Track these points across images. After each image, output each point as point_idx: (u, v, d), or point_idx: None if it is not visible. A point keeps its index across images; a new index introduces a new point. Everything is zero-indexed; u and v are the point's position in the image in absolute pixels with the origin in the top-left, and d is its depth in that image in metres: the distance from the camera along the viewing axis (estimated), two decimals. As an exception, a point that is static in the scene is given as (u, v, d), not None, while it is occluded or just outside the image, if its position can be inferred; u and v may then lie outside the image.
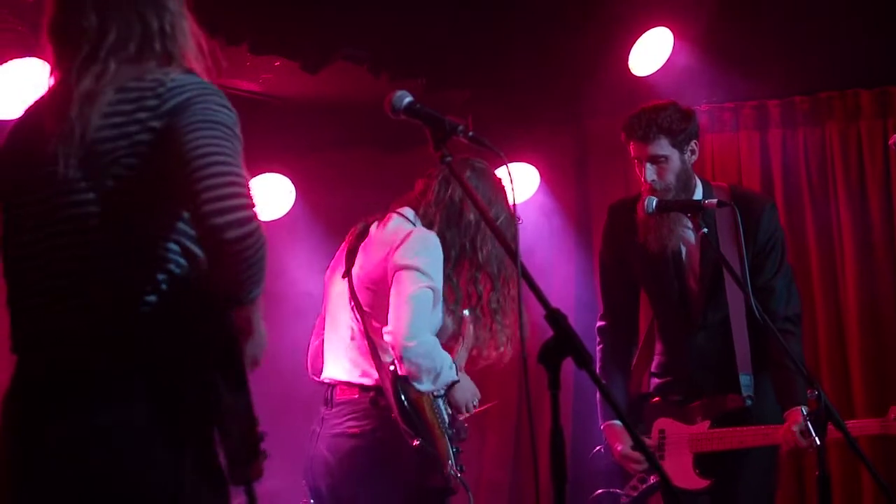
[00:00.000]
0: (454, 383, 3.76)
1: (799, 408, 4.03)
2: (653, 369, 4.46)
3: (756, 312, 3.63)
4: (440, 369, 3.66)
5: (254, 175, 6.52)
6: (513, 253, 2.56)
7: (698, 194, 4.26)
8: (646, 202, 4.02)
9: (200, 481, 2.44)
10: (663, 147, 4.17)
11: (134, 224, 2.44)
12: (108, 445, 2.36)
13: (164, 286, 2.43)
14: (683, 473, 4.23)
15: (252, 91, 6.29)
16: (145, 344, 2.40)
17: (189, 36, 2.65)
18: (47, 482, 2.39)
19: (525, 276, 2.47)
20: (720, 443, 4.14)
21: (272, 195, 6.72)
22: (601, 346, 4.47)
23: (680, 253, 4.29)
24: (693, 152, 4.26)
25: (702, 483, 4.20)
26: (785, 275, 4.26)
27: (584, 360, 2.27)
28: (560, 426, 2.25)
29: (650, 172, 4.19)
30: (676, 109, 4.23)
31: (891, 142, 3.93)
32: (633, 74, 5.93)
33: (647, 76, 5.97)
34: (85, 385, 2.39)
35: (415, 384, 3.64)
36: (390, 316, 3.65)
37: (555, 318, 2.29)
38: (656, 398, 4.38)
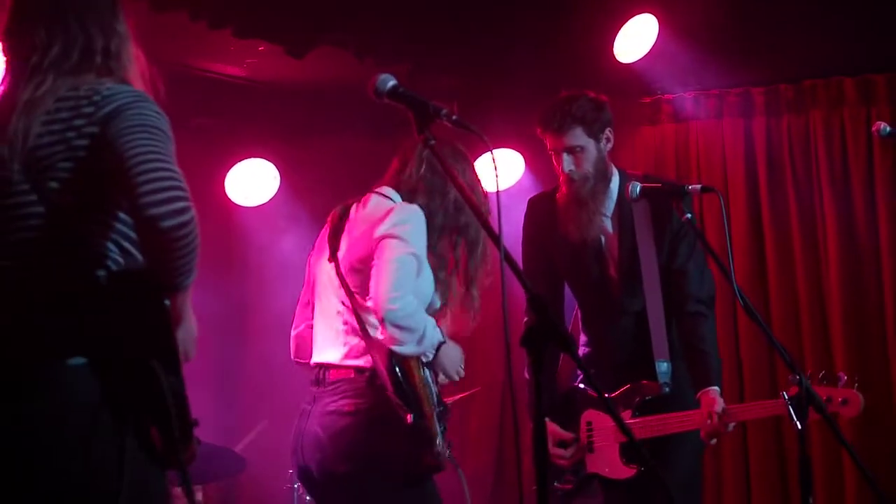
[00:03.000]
0: (441, 344, 3.76)
1: (711, 389, 4.09)
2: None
3: (740, 297, 3.64)
4: (424, 330, 3.65)
5: (238, 160, 6.61)
6: (496, 237, 2.56)
7: (615, 182, 4.32)
8: (630, 188, 4.00)
9: (141, 456, 2.60)
10: (578, 137, 4.23)
11: (73, 224, 2.63)
12: (59, 422, 2.54)
13: (103, 281, 2.61)
14: (611, 463, 4.28)
15: (236, 76, 6.28)
16: (86, 332, 2.56)
17: (133, 61, 2.85)
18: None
19: (508, 259, 2.48)
20: (642, 430, 4.15)
21: (257, 180, 6.71)
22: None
23: (600, 241, 4.33)
24: (608, 140, 4.30)
25: (628, 472, 4.23)
26: (697, 258, 4.30)
27: (566, 345, 2.28)
28: (542, 411, 2.26)
29: (567, 163, 4.24)
30: (589, 99, 4.27)
31: (874, 129, 3.92)
32: (618, 61, 5.93)
33: (633, 63, 5.98)
34: (30, 372, 2.56)
35: (398, 349, 3.62)
36: (372, 282, 3.66)
37: (537, 303, 2.29)
38: (583, 390, 4.40)
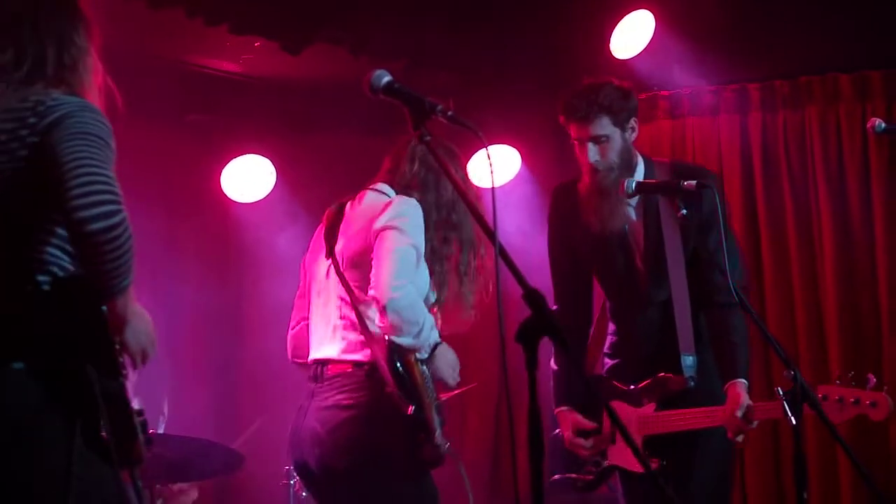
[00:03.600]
0: (437, 345, 3.77)
1: (737, 382, 4.01)
2: (605, 349, 4.42)
3: (733, 292, 3.64)
4: (422, 325, 3.67)
5: (234, 156, 6.60)
6: (490, 233, 2.56)
7: (640, 171, 4.21)
8: (625, 184, 3.99)
9: (92, 455, 2.63)
10: (605, 126, 4.11)
11: (15, 231, 2.68)
12: (8, 422, 2.59)
13: (45, 286, 2.66)
14: (632, 456, 4.23)
15: (232, 72, 6.28)
16: (27, 337, 2.62)
17: (89, 72, 2.88)
18: None
19: (503, 255, 2.48)
20: (665, 425, 4.09)
21: (253, 176, 6.71)
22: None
23: (624, 231, 4.25)
24: (633, 130, 4.19)
25: (651, 464, 4.11)
26: (728, 248, 4.10)
27: (562, 340, 2.28)
28: (537, 406, 2.26)
29: (593, 153, 4.13)
30: (615, 87, 4.15)
31: (869, 125, 3.92)
32: (614, 57, 5.94)
33: (629, 59, 5.98)
34: None
35: (396, 338, 3.64)
36: (373, 273, 3.67)
37: (533, 298, 2.30)
38: (608, 380, 4.33)
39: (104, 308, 2.67)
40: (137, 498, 2.81)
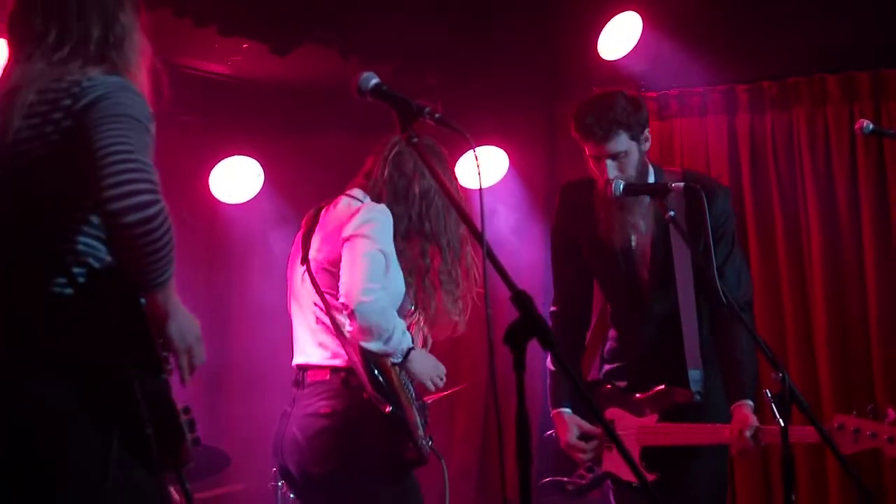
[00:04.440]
0: (409, 350, 3.76)
1: (744, 403, 3.94)
2: (604, 354, 4.38)
3: (721, 297, 3.62)
4: (392, 331, 3.66)
5: (222, 158, 6.59)
6: (478, 235, 2.56)
7: (650, 179, 4.13)
8: (613, 186, 3.92)
9: (132, 461, 2.50)
10: (622, 143, 4.00)
11: (49, 220, 2.54)
12: (32, 431, 2.45)
13: (80, 279, 2.51)
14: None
15: (220, 73, 6.26)
16: (60, 334, 2.48)
17: (137, 52, 2.77)
18: None
19: (491, 257, 2.48)
20: (667, 437, 4.04)
21: (240, 178, 6.70)
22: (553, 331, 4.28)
23: (630, 242, 4.16)
24: (647, 140, 4.10)
25: (647, 477, 4.05)
26: (734, 261, 4.12)
27: (549, 343, 2.28)
28: (525, 408, 2.26)
29: (612, 169, 4.01)
30: (628, 100, 4.04)
31: (857, 126, 3.93)
32: (602, 58, 5.94)
33: (617, 60, 5.98)
34: (4, 373, 2.47)
35: (365, 345, 3.63)
36: (342, 279, 3.67)
37: (521, 299, 2.29)
38: (607, 386, 4.29)
39: (143, 301, 2.52)
40: (186, 499, 2.75)
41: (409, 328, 3.85)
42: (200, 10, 5.22)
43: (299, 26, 5.57)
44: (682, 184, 3.84)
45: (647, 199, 4.06)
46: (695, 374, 4.07)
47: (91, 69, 2.62)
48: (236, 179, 6.69)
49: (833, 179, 6.14)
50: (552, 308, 4.40)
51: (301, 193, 6.06)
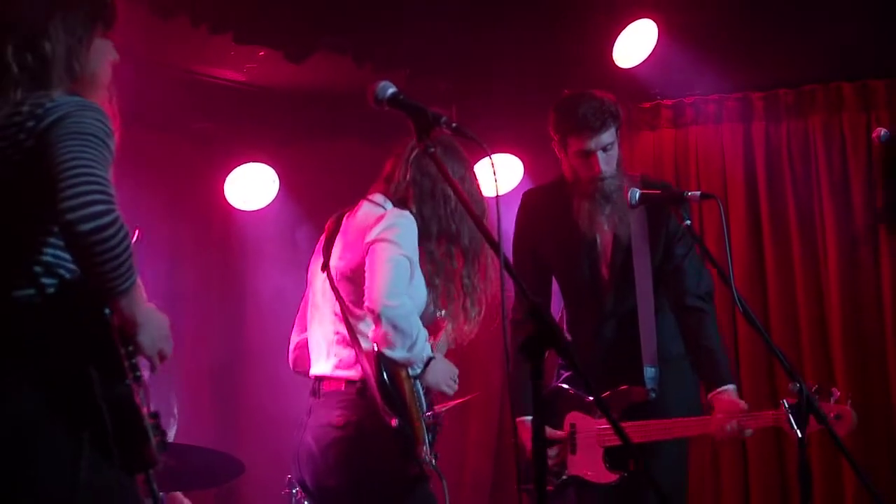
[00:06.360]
0: (430, 360, 3.75)
1: (727, 389, 4.05)
2: (562, 361, 4.41)
3: (735, 300, 3.63)
4: (416, 338, 3.62)
5: (237, 164, 6.61)
6: (495, 244, 2.55)
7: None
8: (629, 194, 3.93)
9: (103, 463, 2.58)
10: (612, 134, 4.19)
11: (18, 236, 2.64)
12: (8, 434, 2.53)
13: (50, 289, 2.62)
14: (594, 467, 4.22)
15: (236, 81, 6.29)
16: (28, 342, 2.58)
17: (99, 67, 2.85)
18: None
19: (507, 268, 2.47)
20: (636, 435, 4.07)
21: (256, 184, 6.71)
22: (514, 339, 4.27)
23: (595, 240, 4.29)
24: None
25: (611, 477, 4.20)
26: (692, 257, 4.27)
27: (565, 351, 2.28)
28: (541, 416, 2.26)
29: (603, 161, 4.16)
30: (606, 96, 4.23)
31: (874, 135, 3.93)
32: (617, 66, 5.93)
33: (632, 68, 5.98)
34: None
35: (388, 351, 3.59)
36: (367, 284, 3.63)
37: (536, 309, 2.29)
38: (568, 391, 4.34)
39: (107, 311, 2.60)
40: (154, 501, 2.79)
41: (437, 335, 3.83)
42: (216, 18, 5.24)
43: (314, 34, 5.59)
44: (697, 193, 3.84)
45: (621, 200, 4.16)
46: (650, 372, 4.17)
47: (55, 91, 2.70)
48: (251, 186, 6.70)
49: (849, 188, 6.13)
50: (515, 317, 4.39)
51: (316, 200, 6.07)
